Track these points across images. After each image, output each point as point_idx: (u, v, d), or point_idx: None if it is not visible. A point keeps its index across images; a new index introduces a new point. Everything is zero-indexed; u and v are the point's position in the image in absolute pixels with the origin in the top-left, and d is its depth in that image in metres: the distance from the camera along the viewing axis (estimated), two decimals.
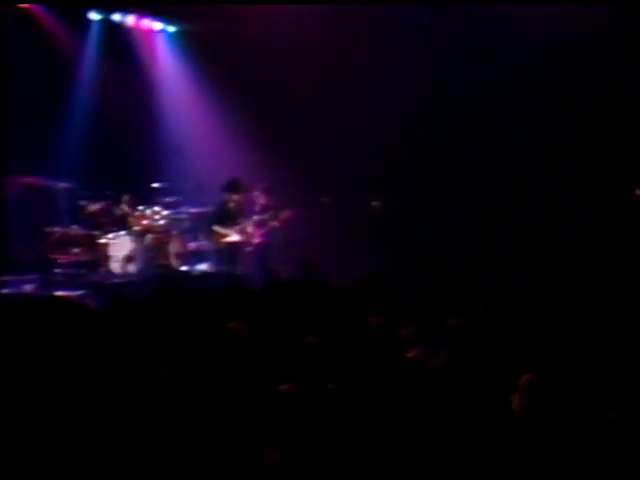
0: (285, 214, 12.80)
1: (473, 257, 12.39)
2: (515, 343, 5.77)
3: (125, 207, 13.23)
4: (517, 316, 6.80)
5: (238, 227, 12.41)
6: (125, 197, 13.26)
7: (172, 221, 13.71)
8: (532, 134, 13.42)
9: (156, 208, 13.46)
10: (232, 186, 12.31)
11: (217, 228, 12.37)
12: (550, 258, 11.58)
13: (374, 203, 14.09)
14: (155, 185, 13.76)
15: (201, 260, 13.73)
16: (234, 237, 12.40)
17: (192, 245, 13.82)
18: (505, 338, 5.91)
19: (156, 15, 15.38)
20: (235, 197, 12.29)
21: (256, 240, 12.70)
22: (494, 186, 13.56)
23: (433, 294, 7.71)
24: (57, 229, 12.80)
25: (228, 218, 12.36)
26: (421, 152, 14.04)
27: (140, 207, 13.36)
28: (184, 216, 14.07)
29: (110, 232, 12.91)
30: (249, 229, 12.57)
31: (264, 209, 12.91)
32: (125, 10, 14.99)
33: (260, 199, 12.95)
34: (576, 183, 13.05)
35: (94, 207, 12.94)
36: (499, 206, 13.43)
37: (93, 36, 14.63)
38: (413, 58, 13.65)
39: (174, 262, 13.29)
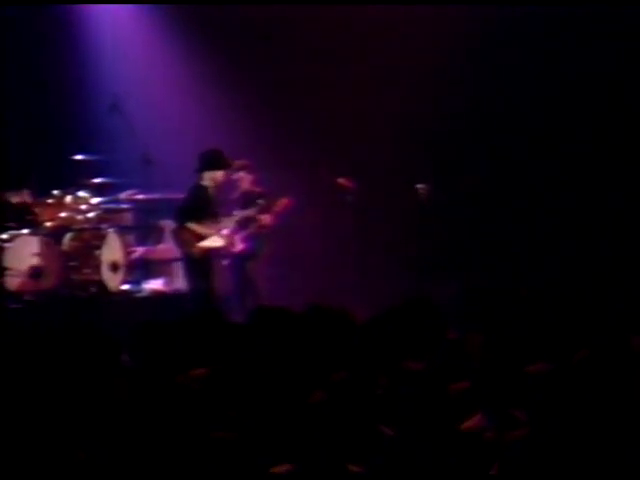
0: (278, 205, 12.82)
1: (562, 276, 12.47)
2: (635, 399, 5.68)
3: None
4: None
5: (219, 226, 12.51)
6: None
7: (106, 213, 13.76)
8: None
9: (81, 193, 13.46)
10: (212, 162, 12.41)
11: (193, 226, 12.42)
12: None
13: (419, 187, 14.09)
14: (79, 158, 13.75)
15: (151, 274, 13.80)
16: (216, 242, 12.49)
17: (138, 251, 13.87)
18: (618, 392, 5.84)
19: None
20: (217, 177, 12.42)
21: (236, 247, 12.80)
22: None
23: (504, 328, 7.71)
24: None
25: (207, 210, 12.49)
26: (489, 111, 14.12)
27: (55, 192, 13.34)
28: (125, 206, 14.13)
29: (6, 230, 12.89)
30: (228, 229, 12.65)
31: (248, 198, 12.96)
32: None
33: (242, 183, 13.03)
34: None
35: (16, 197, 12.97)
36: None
37: None
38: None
39: (108, 277, 13.29)
